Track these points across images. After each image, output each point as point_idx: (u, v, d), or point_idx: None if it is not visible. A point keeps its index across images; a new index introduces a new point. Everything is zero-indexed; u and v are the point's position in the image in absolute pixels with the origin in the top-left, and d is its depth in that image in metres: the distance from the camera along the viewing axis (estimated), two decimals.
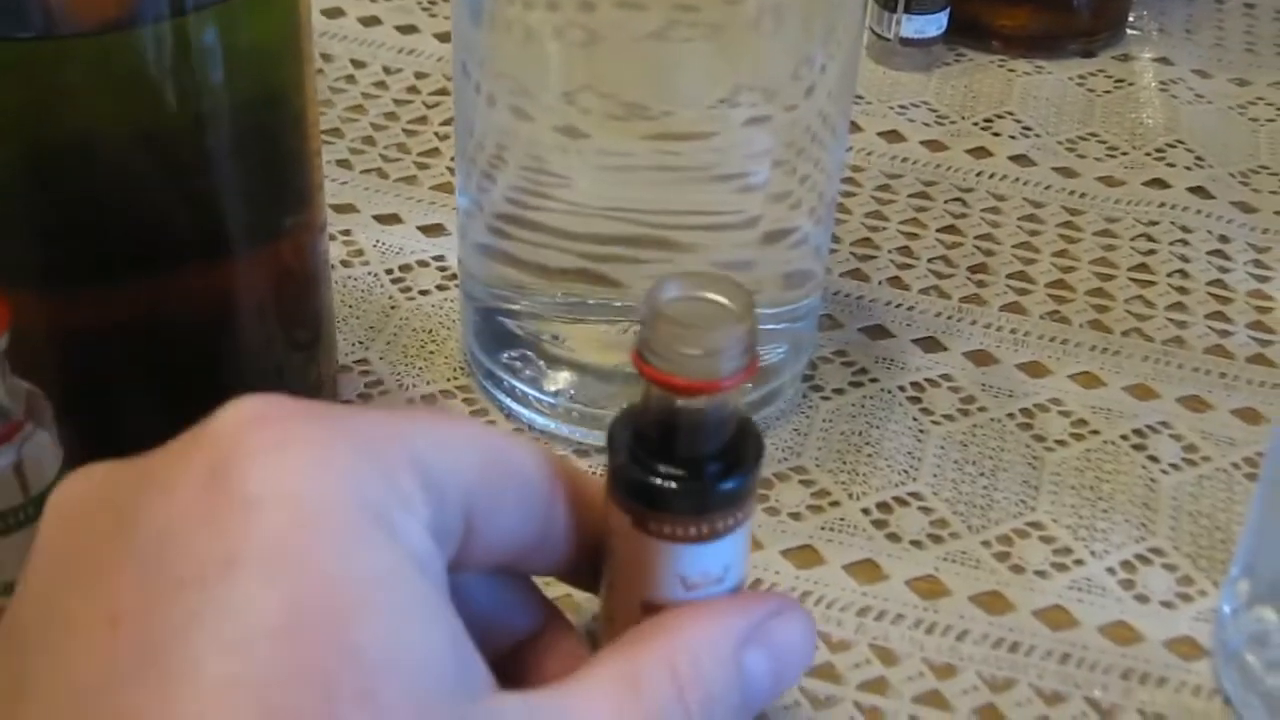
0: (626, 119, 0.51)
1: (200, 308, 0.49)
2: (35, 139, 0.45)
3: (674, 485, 0.40)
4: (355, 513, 0.34)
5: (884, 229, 0.70)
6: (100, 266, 0.47)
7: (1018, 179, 0.75)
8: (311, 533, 0.33)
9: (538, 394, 0.57)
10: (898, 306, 0.66)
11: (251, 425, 0.35)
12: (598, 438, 0.56)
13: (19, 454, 0.42)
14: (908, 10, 0.81)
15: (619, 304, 0.55)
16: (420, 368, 0.61)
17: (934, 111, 0.80)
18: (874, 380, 0.61)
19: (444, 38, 0.83)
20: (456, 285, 0.64)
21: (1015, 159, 0.76)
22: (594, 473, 0.56)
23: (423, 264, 0.66)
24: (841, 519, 0.55)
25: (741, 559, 0.43)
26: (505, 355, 0.58)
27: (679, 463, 0.40)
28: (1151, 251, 0.70)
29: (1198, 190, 0.75)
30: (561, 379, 0.57)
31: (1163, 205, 0.73)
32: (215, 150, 0.47)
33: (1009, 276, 0.68)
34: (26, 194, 0.46)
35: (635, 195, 0.53)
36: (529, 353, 0.57)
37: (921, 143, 0.77)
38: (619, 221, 0.53)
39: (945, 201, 0.73)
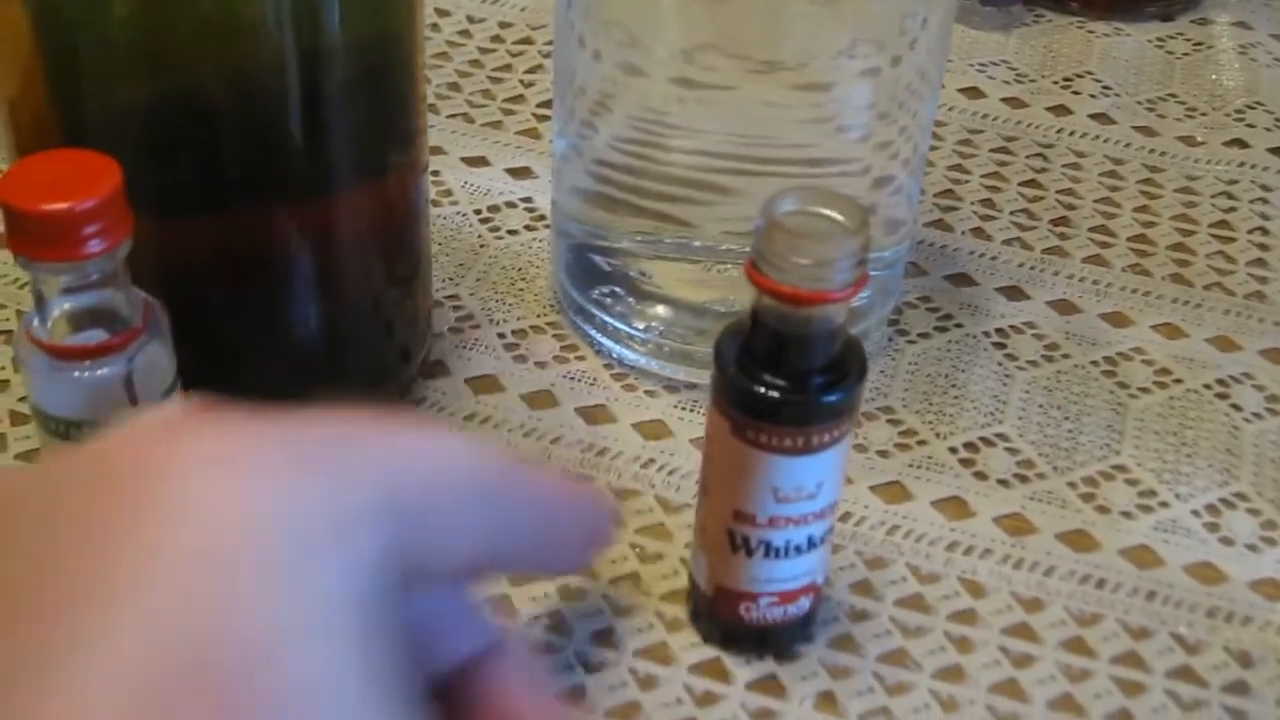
0: (752, 73, 0.52)
1: (307, 239, 0.50)
2: (161, 74, 0.46)
3: (777, 395, 0.41)
4: (286, 538, 0.30)
5: (966, 181, 0.71)
6: (217, 195, 0.48)
7: (1098, 136, 0.75)
8: (231, 563, 0.29)
9: (629, 329, 0.58)
10: (981, 256, 0.66)
11: (183, 433, 0.31)
12: (688, 373, 0.57)
13: (130, 364, 0.43)
14: None
15: (698, 243, 0.57)
16: (510, 304, 0.61)
17: (1014, 70, 0.80)
18: (959, 326, 0.62)
19: None
20: (545, 226, 0.65)
21: (1095, 117, 0.76)
22: (682, 408, 0.57)
23: (510, 205, 0.67)
24: (929, 457, 0.56)
25: (835, 479, 0.44)
26: (596, 291, 0.58)
27: (784, 374, 0.41)
28: (1232, 209, 0.70)
29: (1279, 151, 0.75)
30: (652, 315, 0.57)
31: (1243, 165, 0.74)
32: (330, 89, 0.48)
33: (1090, 230, 0.68)
34: (153, 126, 0.47)
35: (751, 141, 0.54)
36: (619, 289, 0.58)
37: (1002, 100, 0.77)
38: (733, 175, 0.54)
39: (1026, 157, 0.73)
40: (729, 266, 0.56)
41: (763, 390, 0.41)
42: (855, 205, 0.40)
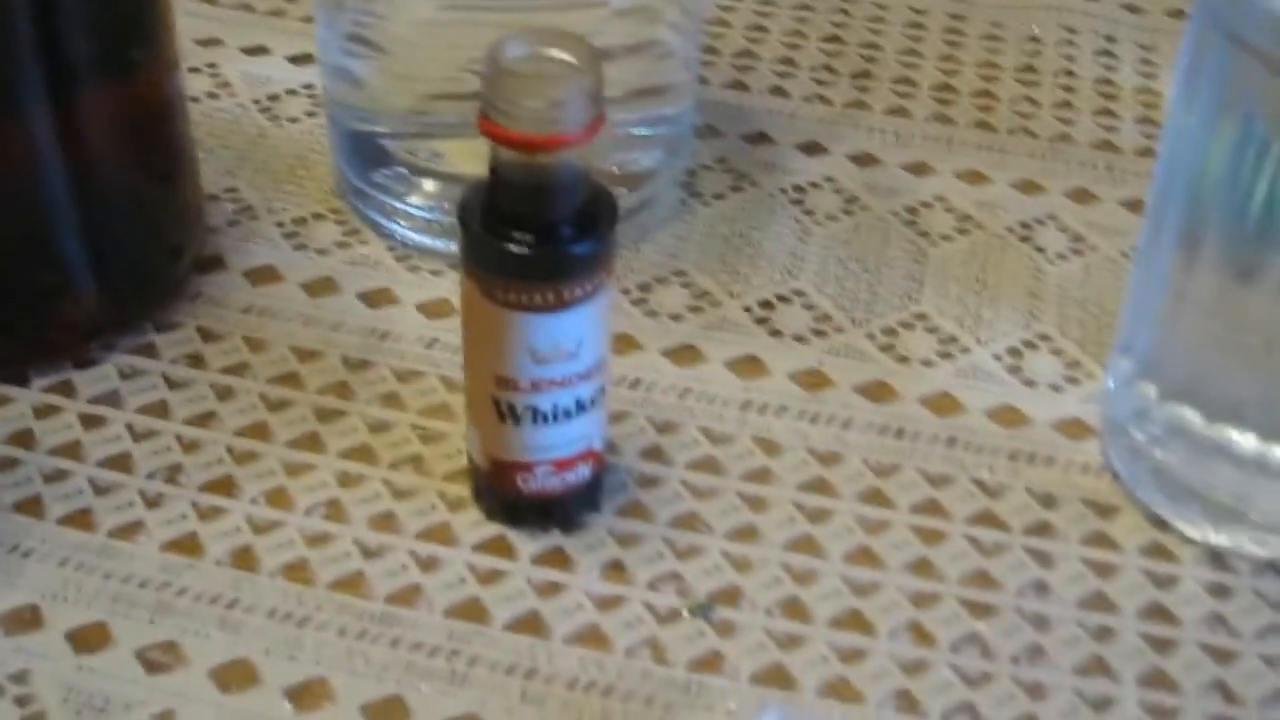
0: None
1: (52, 144, 0.47)
2: None
3: (523, 250, 0.39)
4: None
5: (764, 41, 0.69)
6: None
7: None
8: None
9: (407, 207, 0.56)
10: (779, 114, 0.64)
11: None
12: None
13: None
14: None
15: (454, 119, 0.54)
16: (290, 193, 0.59)
17: None
18: (755, 185, 0.60)
19: None
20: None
21: None
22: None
23: (291, 93, 0.64)
24: (723, 318, 0.54)
25: (597, 335, 0.42)
26: (377, 174, 0.56)
27: (529, 227, 0.39)
28: (1038, 53, 0.69)
29: None
30: (431, 191, 0.55)
31: (1048, 8, 0.72)
32: None
33: (893, 81, 0.67)
34: None
35: (472, 18, 0.51)
36: (401, 169, 0.56)
37: None
38: (456, 48, 0.52)
39: (827, 12, 0.71)
40: None
41: (508, 246, 0.39)
42: (584, 44, 0.38)
